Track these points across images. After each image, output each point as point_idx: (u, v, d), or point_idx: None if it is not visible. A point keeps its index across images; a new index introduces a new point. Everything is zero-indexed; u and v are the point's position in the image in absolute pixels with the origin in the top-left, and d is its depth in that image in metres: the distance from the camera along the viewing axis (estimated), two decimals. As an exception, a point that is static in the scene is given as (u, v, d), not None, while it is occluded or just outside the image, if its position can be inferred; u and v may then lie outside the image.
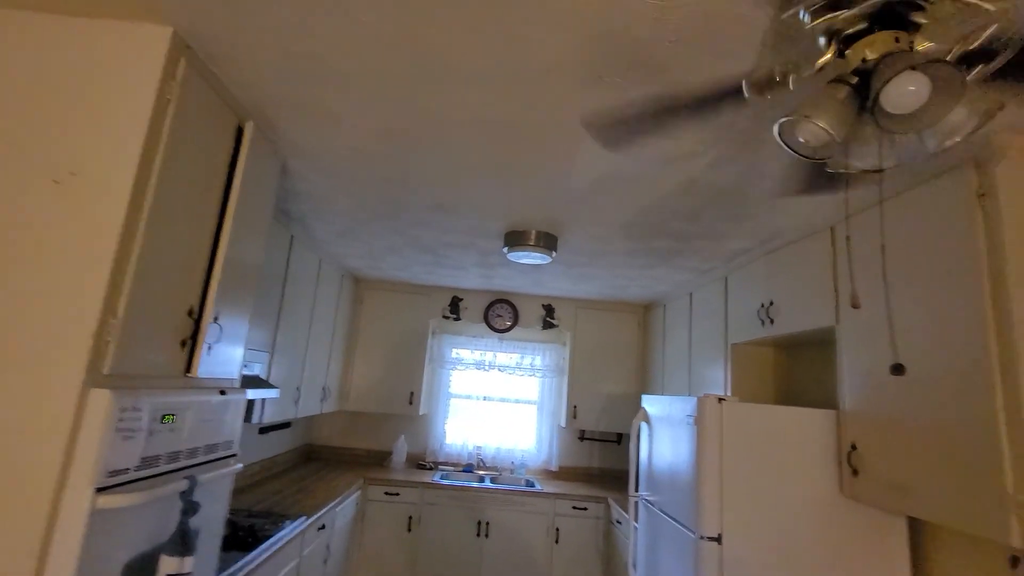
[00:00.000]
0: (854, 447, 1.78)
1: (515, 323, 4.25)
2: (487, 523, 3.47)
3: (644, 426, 2.53)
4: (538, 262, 2.72)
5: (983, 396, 1.33)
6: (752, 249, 2.54)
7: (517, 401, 4.30)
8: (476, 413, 4.27)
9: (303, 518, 2.36)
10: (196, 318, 1.38)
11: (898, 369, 0.90)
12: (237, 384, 1.61)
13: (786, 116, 0.87)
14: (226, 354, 1.52)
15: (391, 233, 2.77)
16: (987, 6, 0.79)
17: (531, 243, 2.53)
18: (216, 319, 1.44)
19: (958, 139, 0.81)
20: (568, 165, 1.78)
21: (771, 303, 2.38)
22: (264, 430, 3.24)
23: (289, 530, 2.16)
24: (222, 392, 1.48)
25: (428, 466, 4.06)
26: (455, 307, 4.23)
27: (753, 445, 1.88)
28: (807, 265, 2.15)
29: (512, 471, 4.10)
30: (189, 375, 1.34)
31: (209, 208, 1.42)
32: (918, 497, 1.50)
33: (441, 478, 3.73)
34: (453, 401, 4.28)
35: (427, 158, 1.80)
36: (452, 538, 3.45)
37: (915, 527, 1.87)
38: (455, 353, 4.33)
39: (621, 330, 4.26)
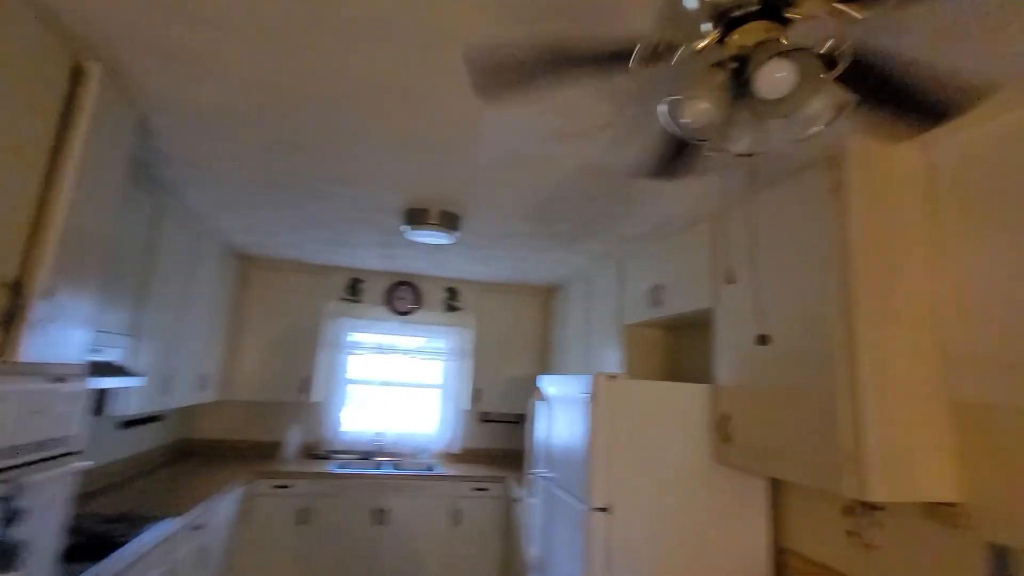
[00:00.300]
0: (726, 417, 1.94)
1: (418, 306, 4.15)
2: (385, 510, 3.38)
3: (541, 405, 2.59)
4: (440, 242, 2.66)
5: (828, 368, 1.50)
6: (646, 235, 2.67)
7: (420, 385, 4.23)
8: (376, 399, 4.13)
9: (171, 519, 2.13)
10: (20, 292, 1.16)
11: (763, 340, 0.97)
12: (81, 371, 1.39)
13: (673, 96, 0.90)
14: (64, 336, 1.30)
15: (281, 206, 2.56)
16: (853, 13, 0.85)
17: (433, 222, 2.46)
18: (49, 294, 1.22)
19: (817, 129, 0.88)
20: (470, 138, 1.73)
21: (661, 286, 2.52)
22: (129, 424, 2.87)
23: (153, 534, 1.93)
24: (59, 379, 1.27)
25: (323, 456, 3.87)
26: (355, 289, 4.03)
27: (641, 419, 1.99)
28: (693, 251, 2.30)
29: (414, 456, 4.03)
30: (6, 359, 1.12)
31: (31, 163, 1.20)
32: (776, 459, 1.67)
33: (337, 467, 3.57)
34: (351, 387, 4.10)
35: (318, 121, 1.66)
36: (347, 528, 3.32)
37: (774, 484, 2.09)
38: (354, 337, 4.14)
39: (524, 313, 4.33)
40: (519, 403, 4.16)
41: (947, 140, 1.55)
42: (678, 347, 2.92)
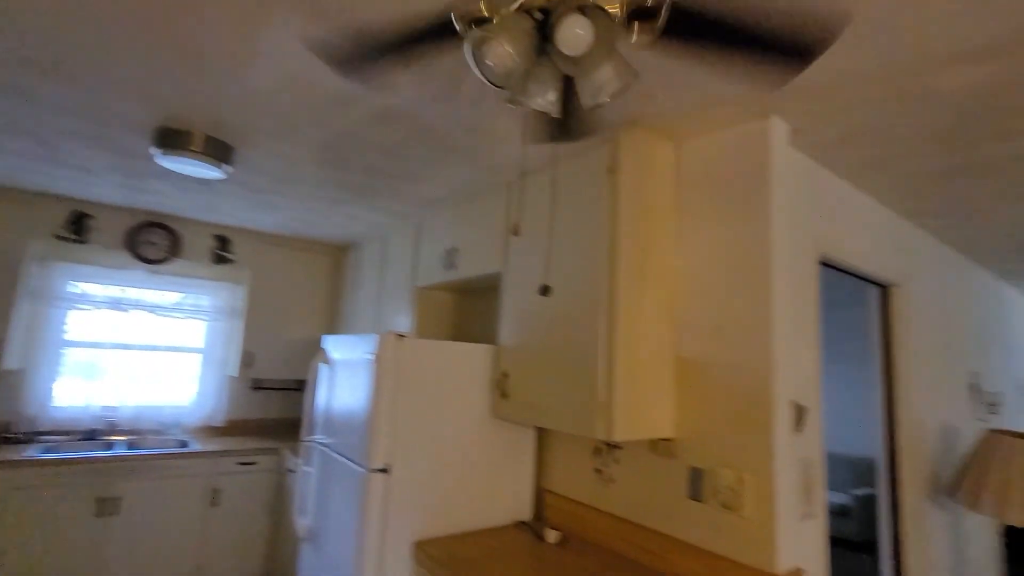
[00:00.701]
0: (505, 375, 2.07)
1: (174, 254, 3.45)
2: (115, 499, 2.78)
3: (324, 368, 2.41)
4: (206, 175, 2.22)
5: (593, 327, 1.70)
6: (445, 198, 2.66)
7: (172, 349, 3.55)
8: (109, 365, 3.34)
9: None
10: None
11: (545, 290, 1.02)
12: None
13: (476, 34, 0.85)
14: None
15: (-56, 93, 1.80)
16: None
17: (195, 149, 2.03)
18: None
19: (607, 98, 0.93)
20: (245, 52, 1.44)
21: (455, 249, 2.55)
22: None
23: None
24: None
25: (23, 438, 2.98)
26: (79, 225, 3.15)
27: (426, 379, 1.99)
28: (488, 215, 2.36)
29: (160, 432, 3.39)
30: None
31: None
32: (545, 411, 1.84)
33: (41, 452, 2.79)
34: (72, 351, 3.23)
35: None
36: (59, 525, 2.64)
37: (540, 434, 2.33)
38: (77, 288, 3.25)
39: (312, 271, 3.97)
40: (301, 368, 3.83)
41: (690, 142, 1.87)
42: (467, 311, 3.01)
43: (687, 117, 1.70)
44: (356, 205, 2.91)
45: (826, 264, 2.09)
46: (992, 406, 3.20)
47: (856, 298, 5.28)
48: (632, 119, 1.73)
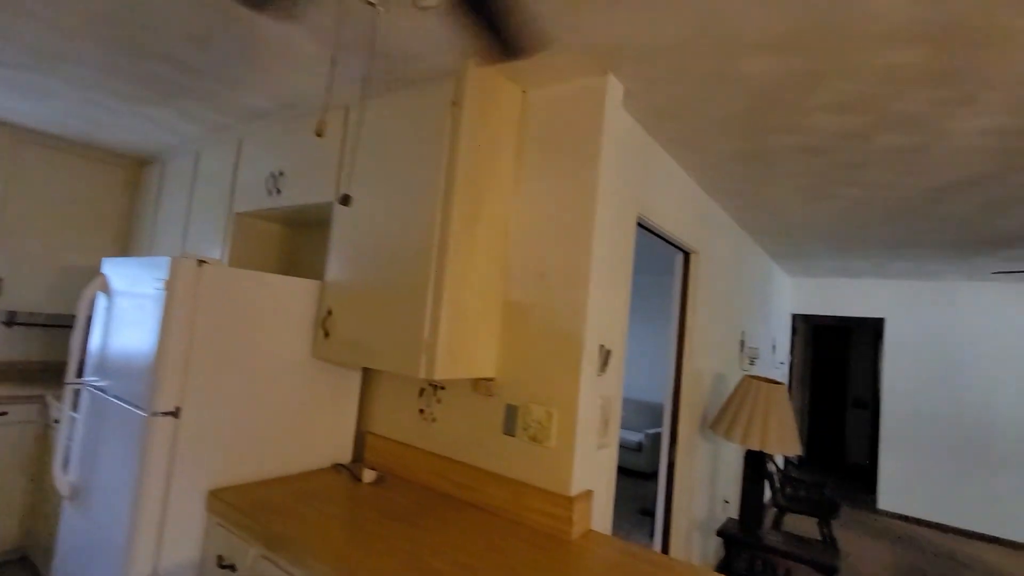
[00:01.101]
0: (330, 313, 1.93)
1: None
2: None
3: (102, 297, 2.00)
4: (-91, 26, 1.61)
5: (422, 266, 1.65)
6: (272, 113, 2.33)
7: None
8: None
9: None
10: None
11: (345, 200, 0.93)
12: None
13: None
14: None
15: None
16: None
17: None
18: None
19: (432, 3, 0.84)
20: None
21: (281, 173, 2.27)
22: None
23: None
24: None
25: None
26: None
27: (233, 313, 1.76)
28: (321, 140, 2.13)
29: None
30: None
31: None
32: (369, 351, 1.77)
33: None
34: None
35: None
36: None
37: (365, 376, 2.25)
38: None
39: (98, 185, 3.25)
40: (77, 301, 3.16)
41: (537, 91, 1.88)
42: (299, 247, 2.75)
43: (534, 63, 1.69)
44: (160, 107, 2.41)
45: (642, 225, 2.30)
46: (752, 359, 3.96)
47: (670, 265, 6.06)
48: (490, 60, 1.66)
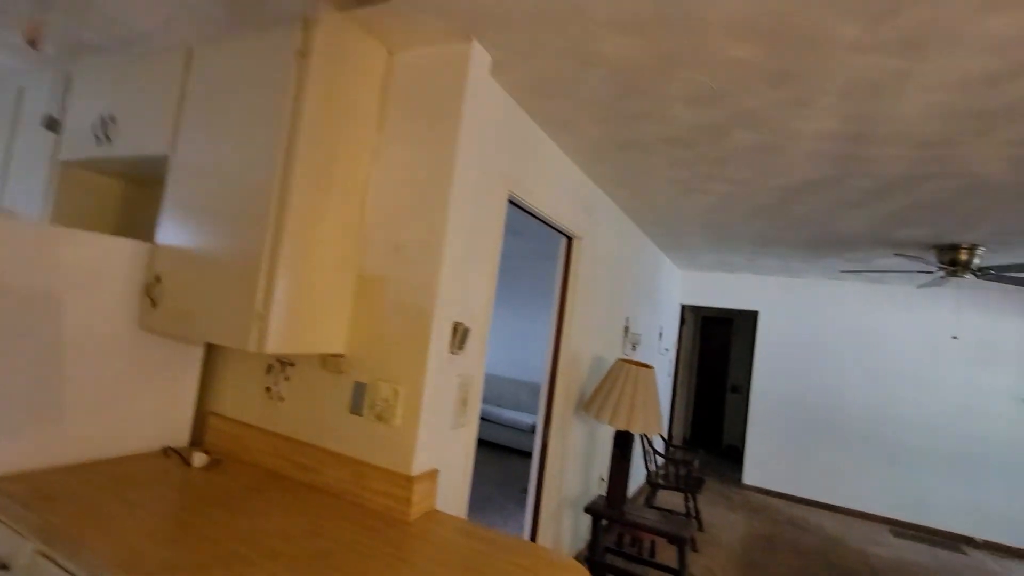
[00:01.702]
0: (158, 279, 1.72)
1: None
2: None
3: None
4: None
5: (258, 232, 1.50)
6: (105, 47, 2.03)
7: None
8: None
9: None
10: None
11: (51, 124, 0.79)
12: None
13: None
14: None
15: None
16: None
17: None
18: None
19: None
20: None
21: (112, 118, 1.98)
22: None
23: None
24: None
25: None
26: None
27: (31, 275, 1.51)
28: (158, 82, 1.88)
29: None
30: None
31: None
32: (198, 321, 1.59)
33: None
34: None
35: None
36: None
37: (209, 352, 2.05)
38: None
39: None
40: None
41: (403, 53, 1.77)
42: (142, 207, 2.43)
43: (400, 22, 1.59)
44: (-47, 25, 2.00)
45: (517, 205, 2.28)
46: (635, 344, 4.15)
47: (570, 254, 6.16)
48: (341, 5, 1.53)
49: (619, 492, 2.94)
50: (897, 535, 4.92)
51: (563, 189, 2.66)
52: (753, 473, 5.88)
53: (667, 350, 5.72)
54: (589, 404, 2.98)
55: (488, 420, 6.17)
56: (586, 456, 3.45)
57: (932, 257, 3.45)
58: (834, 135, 2.00)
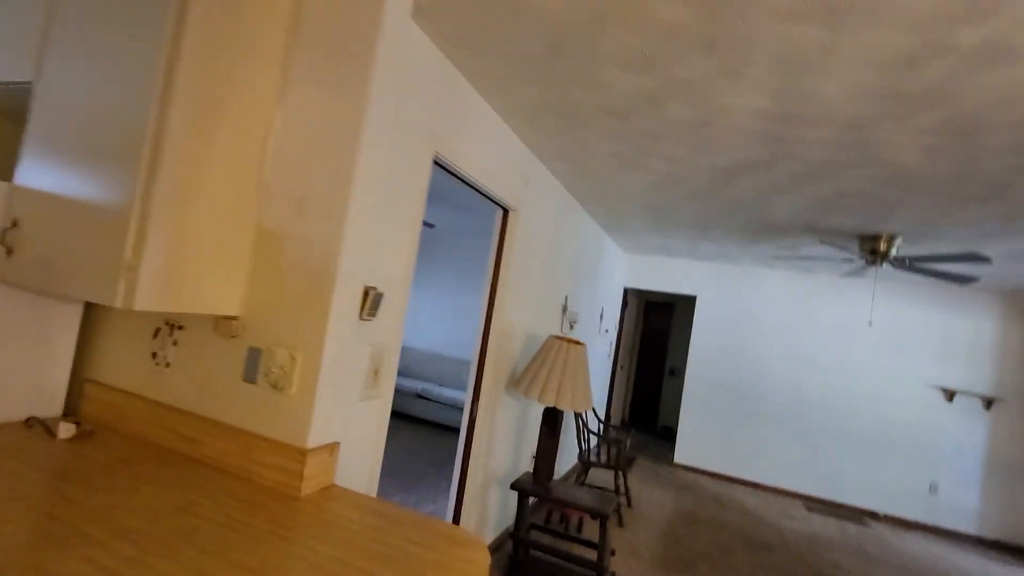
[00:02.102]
0: (15, 224, 1.50)
1: None
2: None
3: None
4: None
5: (129, 172, 1.32)
6: (-41, -46, 1.73)
7: None
8: None
9: None
10: None
11: None
12: None
13: None
14: None
15: None
16: None
17: None
18: None
19: None
20: None
21: (-33, 37, 1.70)
22: None
23: None
24: None
25: None
26: None
27: None
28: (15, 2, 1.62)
29: None
30: None
31: None
32: (61, 273, 1.39)
33: None
34: None
35: None
36: None
37: (89, 313, 1.84)
38: None
39: None
40: None
41: (315, -15, 1.59)
42: (8, 143, 2.14)
43: (298, -59, 1.41)
44: None
45: (445, 168, 2.16)
46: (573, 322, 4.14)
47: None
48: (224, -88, 1.34)
49: (546, 469, 2.93)
50: (810, 510, 5.23)
51: (500, 157, 2.55)
52: (684, 452, 6.08)
53: (607, 331, 5.78)
54: (520, 380, 2.94)
55: (429, 399, 6.07)
56: (518, 433, 3.42)
57: (855, 246, 3.60)
58: (764, 113, 1.99)
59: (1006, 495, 4.95)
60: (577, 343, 2.95)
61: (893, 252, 3.56)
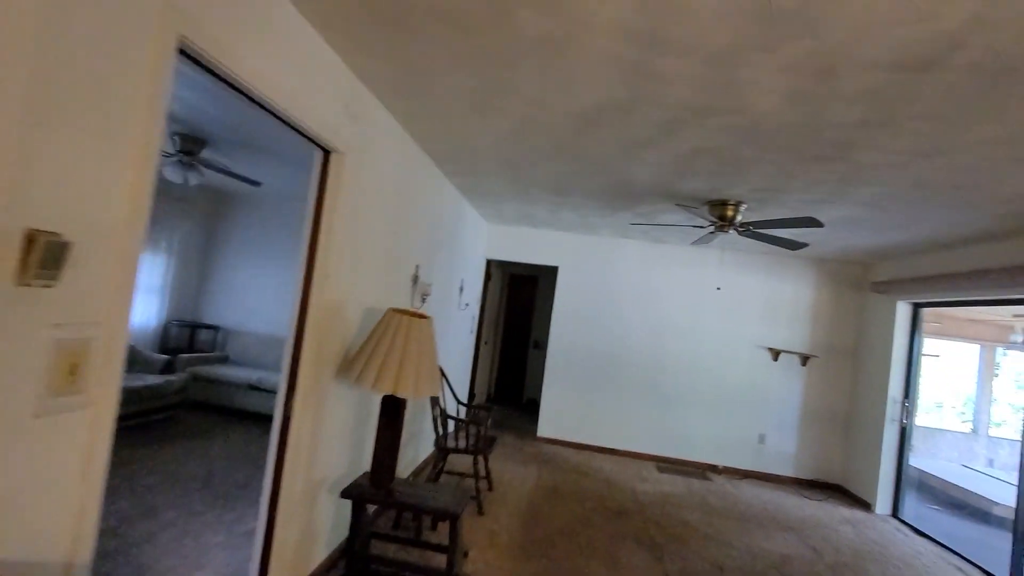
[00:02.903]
0: None
1: None
2: None
3: None
4: None
5: None
6: None
7: None
8: None
9: None
10: None
11: None
12: None
13: None
14: None
15: None
16: None
17: None
18: None
19: None
20: None
21: None
22: None
23: None
24: None
25: None
26: None
27: None
28: None
29: None
30: None
31: None
32: None
33: None
34: None
35: None
36: None
37: None
38: None
39: None
40: None
41: None
42: None
43: None
44: None
45: (211, 70, 1.51)
46: (425, 295, 3.66)
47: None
48: None
49: (386, 468, 2.45)
50: (661, 470, 5.47)
51: (308, 73, 1.94)
52: (547, 425, 6.02)
53: (467, 305, 5.41)
54: (349, 367, 2.39)
55: (264, 390, 5.19)
56: (356, 429, 2.88)
57: (705, 211, 3.61)
58: (628, 30, 1.67)
59: (816, 440, 5.64)
60: (422, 316, 2.48)
61: (739, 218, 3.63)
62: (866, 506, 5.00)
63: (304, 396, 2.25)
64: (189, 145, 3.87)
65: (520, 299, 8.63)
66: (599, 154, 2.96)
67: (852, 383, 5.58)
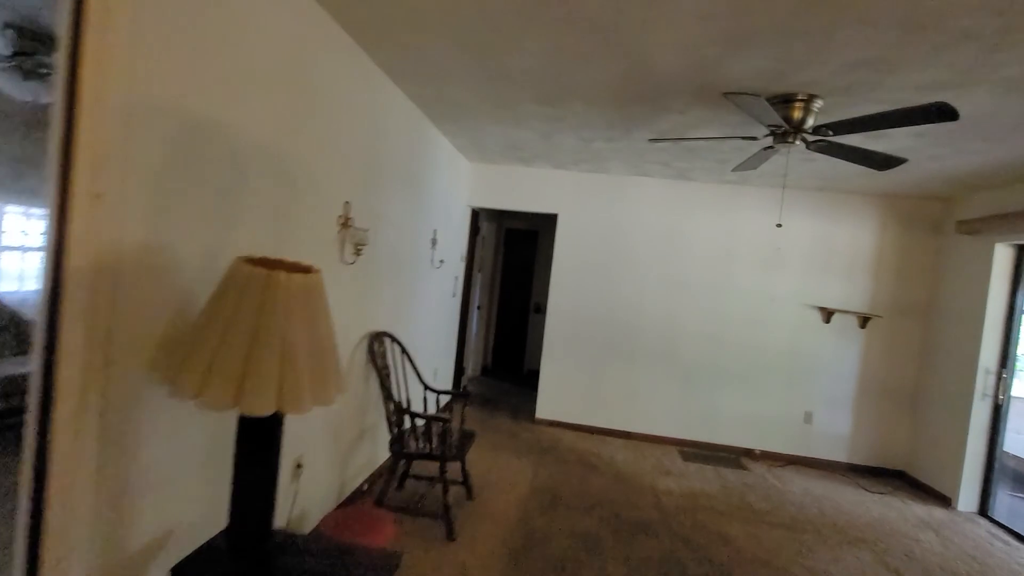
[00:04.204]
0: None
1: None
2: None
3: None
4: None
5: None
6: None
7: None
8: None
9: None
10: None
11: None
12: None
13: None
14: None
15: None
16: None
17: None
18: None
19: None
20: None
21: None
22: None
23: None
24: None
25: None
26: None
27: None
28: None
29: None
30: None
31: None
32: None
33: None
34: None
35: None
36: None
37: None
38: None
39: None
40: None
41: None
42: None
43: None
44: None
45: None
46: (360, 245, 2.61)
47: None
48: None
49: (254, 522, 1.46)
50: (686, 458, 4.51)
51: None
52: (547, 406, 5.06)
53: (442, 262, 4.36)
54: (170, 362, 1.38)
55: None
56: (217, 451, 1.89)
57: (762, 111, 2.45)
58: None
59: (876, 418, 4.62)
60: (304, 271, 1.44)
61: (810, 122, 2.50)
62: (943, 500, 4.02)
63: (76, 414, 1.25)
64: None
65: (518, 257, 7.57)
66: (603, 20, 1.82)
67: (926, 349, 4.51)
